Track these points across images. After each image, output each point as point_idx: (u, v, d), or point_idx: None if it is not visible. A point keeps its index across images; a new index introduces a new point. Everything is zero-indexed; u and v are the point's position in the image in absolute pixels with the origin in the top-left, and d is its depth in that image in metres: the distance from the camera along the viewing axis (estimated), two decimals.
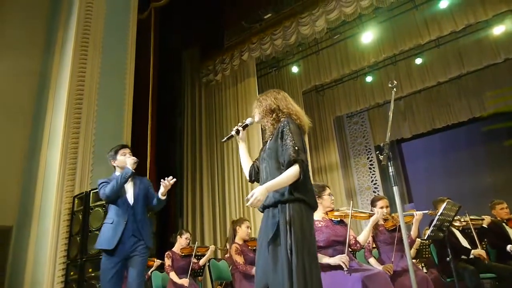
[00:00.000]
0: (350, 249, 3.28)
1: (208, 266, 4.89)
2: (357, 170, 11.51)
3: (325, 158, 11.06)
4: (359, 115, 11.96)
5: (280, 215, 2.13)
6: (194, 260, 4.85)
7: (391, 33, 8.75)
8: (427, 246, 4.75)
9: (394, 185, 2.36)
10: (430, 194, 9.51)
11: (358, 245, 3.23)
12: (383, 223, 3.74)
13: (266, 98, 2.47)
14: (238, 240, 4.55)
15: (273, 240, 2.12)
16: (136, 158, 3.34)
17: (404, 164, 11.39)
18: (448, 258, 3.39)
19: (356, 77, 10.64)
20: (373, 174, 11.18)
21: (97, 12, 6.41)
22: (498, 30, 8.47)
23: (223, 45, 9.42)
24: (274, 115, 2.40)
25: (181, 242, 4.95)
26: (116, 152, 3.42)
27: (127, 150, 3.43)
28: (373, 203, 3.85)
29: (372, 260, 3.62)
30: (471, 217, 4.48)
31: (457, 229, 4.47)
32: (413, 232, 3.78)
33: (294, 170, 2.14)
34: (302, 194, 2.16)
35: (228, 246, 5.76)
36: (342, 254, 3.00)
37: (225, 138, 2.63)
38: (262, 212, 2.29)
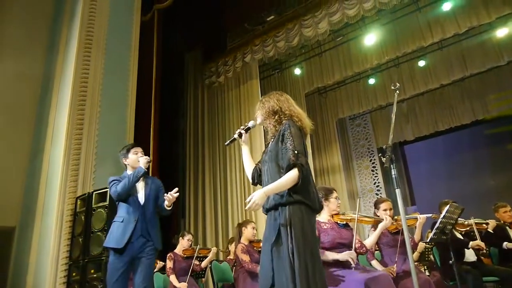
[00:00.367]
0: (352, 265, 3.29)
1: (210, 267, 4.89)
2: (360, 172, 11.49)
3: (328, 160, 11.04)
4: (362, 117, 11.94)
5: (281, 218, 2.14)
6: (196, 262, 4.85)
7: (394, 36, 8.74)
8: (429, 249, 4.73)
9: (397, 188, 2.36)
10: (433, 196, 9.49)
11: (363, 248, 3.23)
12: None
13: (269, 100, 2.48)
14: (243, 240, 4.60)
15: (275, 243, 2.13)
16: (148, 157, 3.34)
17: (407, 167, 11.37)
18: (450, 261, 3.38)
19: (359, 79, 10.63)
20: (375, 177, 11.16)
21: (100, 13, 6.43)
22: (501, 32, 8.45)
23: (225, 47, 9.44)
24: (276, 116, 2.41)
25: (183, 243, 4.95)
26: (128, 151, 3.42)
27: (139, 149, 3.43)
28: (376, 206, 3.84)
29: (374, 262, 3.61)
30: (476, 220, 4.45)
31: (460, 233, 4.44)
32: (416, 235, 3.77)
33: (293, 174, 2.15)
34: (302, 197, 2.16)
35: (230, 248, 5.77)
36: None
37: (228, 142, 2.63)
38: (266, 214, 2.31)
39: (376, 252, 3.85)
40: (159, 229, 3.32)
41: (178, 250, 4.92)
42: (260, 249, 4.20)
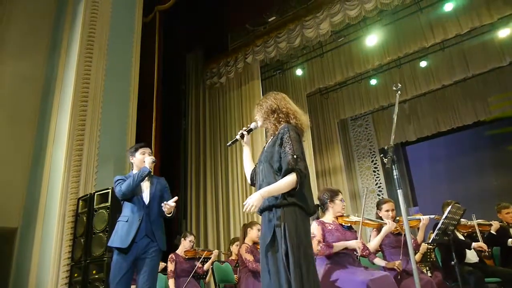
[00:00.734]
0: (358, 255, 3.29)
1: (212, 268, 4.89)
2: (361, 173, 11.47)
3: (329, 161, 11.03)
4: (364, 118, 11.93)
5: (275, 219, 2.17)
6: (199, 264, 4.85)
7: (396, 36, 8.74)
8: (431, 250, 4.72)
9: (399, 188, 2.35)
10: (435, 197, 9.48)
11: (367, 251, 3.23)
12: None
13: (266, 100, 2.52)
14: (247, 241, 4.64)
15: (270, 245, 2.16)
16: (154, 158, 3.34)
17: (408, 167, 11.34)
18: (452, 262, 3.37)
19: (361, 80, 10.63)
20: (377, 177, 11.15)
21: (102, 15, 6.45)
22: (503, 33, 8.43)
23: (227, 48, 9.45)
24: (275, 115, 2.44)
25: (185, 244, 4.95)
26: (136, 150, 3.41)
27: (147, 150, 3.42)
28: (378, 206, 3.84)
29: (377, 260, 3.57)
30: (479, 221, 4.43)
31: (462, 234, 4.43)
32: (419, 236, 3.77)
33: (291, 178, 2.16)
34: (296, 199, 2.18)
35: (232, 249, 5.77)
36: (351, 257, 3.02)
37: (230, 143, 2.65)
38: (260, 215, 2.33)
39: (379, 253, 3.84)
40: (164, 230, 3.31)
41: (180, 251, 4.92)
42: None
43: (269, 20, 8.77)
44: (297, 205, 2.17)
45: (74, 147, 5.56)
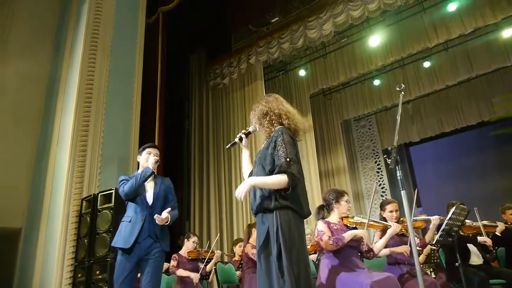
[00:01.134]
0: (361, 257, 3.27)
1: (215, 269, 4.89)
2: (365, 174, 11.45)
3: (333, 162, 11.02)
4: (367, 118, 11.91)
5: (269, 223, 2.18)
6: (201, 265, 4.86)
7: (399, 36, 8.72)
8: (435, 251, 4.70)
9: (402, 189, 2.34)
10: (439, 198, 9.44)
11: (371, 253, 3.22)
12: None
13: (258, 105, 2.55)
14: (252, 241, 4.63)
15: (263, 248, 2.18)
16: (157, 158, 3.32)
17: (412, 168, 11.31)
18: (457, 263, 3.35)
19: (364, 80, 10.61)
20: (380, 178, 11.12)
21: (105, 16, 6.47)
22: (507, 33, 8.40)
23: (230, 49, 9.46)
24: (267, 117, 2.46)
25: (188, 245, 4.95)
26: (143, 149, 3.41)
27: (154, 151, 3.39)
28: (382, 207, 3.82)
29: (383, 252, 3.52)
30: (484, 222, 4.40)
31: (467, 235, 4.40)
32: (428, 236, 3.75)
33: (282, 177, 2.18)
34: (290, 202, 2.19)
35: (235, 249, 5.77)
36: (356, 258, 3.01)
37: (229, 145, 2.67)
38: (255, 216, 2.35)
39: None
40: (168, 231, 3.29)
41: (183, 252, 4.93)
42: None
43: (272, 20, 8.78)
44: (291, 208, 2.19)
45: (77, 147, 5.58)
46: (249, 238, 4.71)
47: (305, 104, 9.87)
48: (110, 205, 4.88)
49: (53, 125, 6.09)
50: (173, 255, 4.80)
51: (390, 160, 2.37)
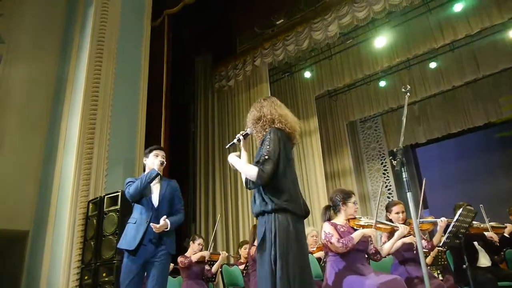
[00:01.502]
0: (368, 259, 3.25)
1: (221, 271, 4.88)
2: (371, 175, 11.40)
3: (339, 163, 10.99)
4: (373, 120, 11.86)
5: (267, 225, 2.19)
6: (207, 267, 4.85)
7: (405, 37, 8.69)
8: (443, 253, 4.66)
9: (408, 191, 2.33)
10: (446, 200, 9.35)
11: (378, 255, 3.19)
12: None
13: (253, 109, 2.57)
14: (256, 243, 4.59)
15: (259, 250, 2.18)
16: (163, 160, 3.31)
17: (419, 169, 11.24)
18: (464, 266, 3.32)
19: (369, 81, 10.58)
20: (387, 180, 11.06)
21: (111, 19, 6.51)
22: None
23: (235, 51, 9.48)
24: (260, 122, 2.48)
25: (194, 248, 4.95)
26: (150, 151, 3.40)
27: (161, 153, 3.38)
28: (388, 209, 3.79)
29: (386, 246, 3.49)
30: (492, 224, 4.36)
31: (474, 234, 4.36)
32: (436, 238, 3.71)
33: (253, 170, 2.24)
34: (286, 204, 2.20)
35: (240, 252, 5.76)
36: (362, 260, 2.99)
37: (228, 145, 2.71)
38: (257, 218, 2.36)
39: (390, 256, 3.79)
40: (174, 233, 3.28)
41: (189, 254, 4.93)
42: None
43: (277, 22, 8.79)
44: (288, 210, 2.19)
45: (84, 150, 5.61)
46: (254, 240, 4.69)
47: (310, 105, 9.86)
48: (117, 207, 4.90)
49: (60, 128, 6.13)
50: (180, 256, 4.79)
51: (396, 162, 2.35)
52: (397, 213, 3.65)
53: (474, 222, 4.00)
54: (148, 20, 7.28)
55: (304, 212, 2.29)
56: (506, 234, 4.42)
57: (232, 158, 2.49)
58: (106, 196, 5.15)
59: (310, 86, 10.08)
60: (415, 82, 9.69)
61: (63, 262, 5.08)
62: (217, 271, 5.03)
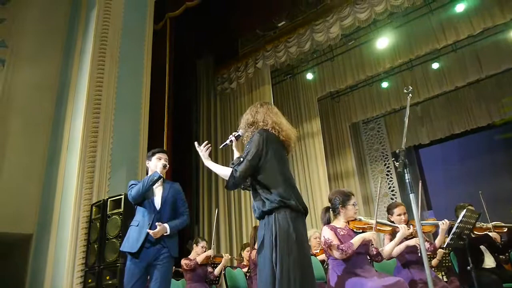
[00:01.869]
0: (370, 260, 3.23)
1: (224, 274, 4.87)
2: (374, 176, 11.36)
3: (341, 165, 10.96)
4: (375, 121, 11.84)
5: (267, 228, 2.19)
6: (209, 269, 4.85)
7: (407, 38, 8.68)
8: (447, 255, 4.64)
9: (411, 193, 2.32)
10: (449, 200, 9.32)
11: (379, 257, 3.17)
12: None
13: (248, 113, 2.61)
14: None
15: (259, 253, 2.18)
16: (166, 163, 3.29)
17: (422, 170, 11.20)
18: (469, 267, 3.30)
19: (372, 83, 10.57)
20: (390, 181, 11.03)
21: (114, 22, 6.53)
22: None
23: (237, 54, 9.49)
24: (252, 128, 2.52)
25: (197, 250, 4.94)
26: (153, 154, 3.39)
27: (164, 156, 3.38)
28: (389, 211, 3.76)
29: (388, 246, 3.47)
30: (495, 223, 4.33)
31: (478, 237, 4.34)
32: (438, 241, 3.68)
33: (228, 171, 2.36)
34: (282, 199, 2.20)
35: (243, 254, 5.75)
36: (364, 263, 2.97)
37: (221, 146, 2.73)
38: (259, 220, 2.36)
39: (393, 259, 3.77)
40: (176, 236, 3.27)
41: (192, 256, 4.92)
42: None
43: (279, 25, 8.79)
44: (286, 207, 2.19)
45: (87, 153, 5.63)
46: (254, 243, 4.66)
47: (313, 107, 9.85)
48: (120, 210, 4.91)
49: (63, 131, 6.16)
50: (184, 259, 4.79)
51: (398, 163, 2.35)
52: (399, 215, 3.63)
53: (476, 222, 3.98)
54: (150, 24, 7.30)
55: (301, 208, 2.28)
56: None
57: (208, 163, 2.59)
58: (109, 199, 5.15)
59: (312, 88, 10.08)
60: (418, 83, 9.67)
61: (66, 265, 5.09)
62: (220, 274, 5.02)
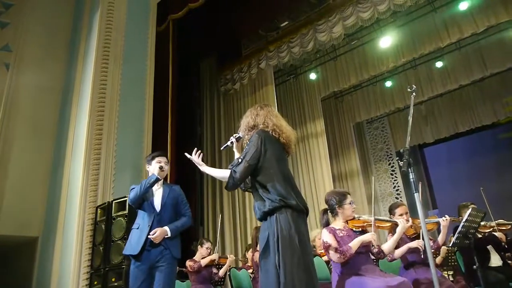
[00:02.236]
0: (373, 258, 3.21)
1: (229, 275, 4.87)
2: (378, 176, 11.33)
3: (346, 165, 10.93)
4: (379, 120, 11.79)
5: (269, 229, 2.19)
6: (214, 271, 4.85)
7: (410, 37, 8.64)
8: (453, 254, 4.61)
9: (415, 192, 2.31)
10: (455, 199, 9.26)
11: (381, 253, 3.15)
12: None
13: (248, 115, 2.62)
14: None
15: (262, 256, 2.18)
16: (162, 165, 3.29)
17: (427, 169, 11.15)
18: (475, 266, 3.28)
19: (375, 82, 10.54)
20: (395, 180, 10.99)
21: (117, 26, 6.57)
22: None
23: (240, 54, 9.48)
24: (252, 131, 2.52)
25: (202, 252, 4.94)
26: (152, 158, 3.40)
27: (164, 159, 3.39)
28: (391, 211, 3.75)
29: (396, 252, 3.45)
30: (499, 221, 4.30)
31: (485, 236, 4.31)
32: (441, 238, 3.66)
33: (227, 173, 2.37)
34: (282, 198, 2.20)
35: (247, 255, 5.74)
36: (366, 262, 2.95)
37: (222, 147, 2.76)
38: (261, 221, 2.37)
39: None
40: (178, 237, 3.28)
41: (197, 258, 4.92)
42: None
43: (282, 25, 8.78)
44: (287, 206, 2.19)
45: (91, 156, 5.66)
46: (257, 244, 4.64)
47: (316, 107, 9.84)
48: (124, 212, 4.93)
49: (68, 134, 6.19)
50: (189, 260, 4.79)
51: (402, 162, 2.34)
52: (401, 214, 3.61)
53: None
54: (153, 26, 7.33)
55: (303, 206, 2.28)
56: None
57: (204, 168, 2.62)
58: (114, 201, 5.18)
59: (316, 88, 10.06)
60: (422, 81, 9.63)
61: (72, 267, 5.11)
62: (224, 275, 5.02)
